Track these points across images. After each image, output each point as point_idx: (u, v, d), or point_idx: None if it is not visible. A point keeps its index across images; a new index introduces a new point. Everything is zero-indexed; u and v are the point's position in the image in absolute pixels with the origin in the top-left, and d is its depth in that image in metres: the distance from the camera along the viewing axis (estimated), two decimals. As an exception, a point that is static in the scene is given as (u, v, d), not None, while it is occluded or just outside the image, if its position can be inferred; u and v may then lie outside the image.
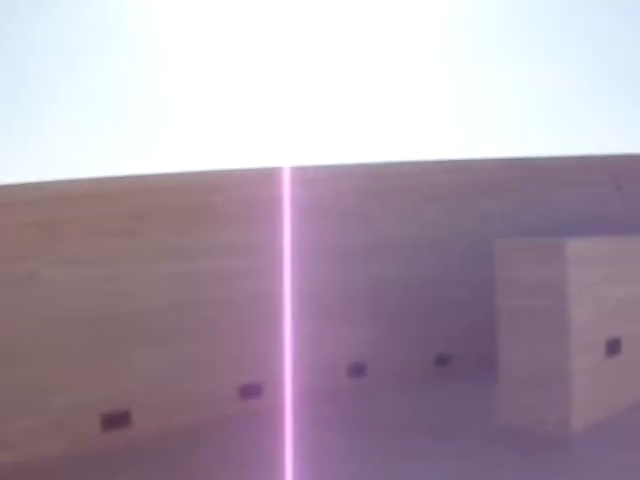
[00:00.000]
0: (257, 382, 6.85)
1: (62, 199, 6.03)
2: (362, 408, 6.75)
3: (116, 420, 6.30)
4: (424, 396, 7.06)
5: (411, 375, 7.65)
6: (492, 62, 18.19)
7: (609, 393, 6.26)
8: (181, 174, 6.58)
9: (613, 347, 6.26)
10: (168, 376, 6.52)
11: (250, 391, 6.84)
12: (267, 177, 6.89)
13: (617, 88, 18.71)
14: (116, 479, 5.46)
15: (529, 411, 6.01)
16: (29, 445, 5.94)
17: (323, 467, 5.39)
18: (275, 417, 6.56)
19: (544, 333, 5.89)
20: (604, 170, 9.21)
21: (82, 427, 6.17)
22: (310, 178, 7.11)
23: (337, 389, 7.13)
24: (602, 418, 6.16)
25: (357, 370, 7.35)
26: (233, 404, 6.77)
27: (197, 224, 6.62)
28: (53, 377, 6.05)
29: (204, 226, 6.66)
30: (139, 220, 6.36)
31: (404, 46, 17.34)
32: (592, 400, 6.03)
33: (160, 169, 6.55)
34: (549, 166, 8.80)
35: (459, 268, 8.07)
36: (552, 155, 8.79)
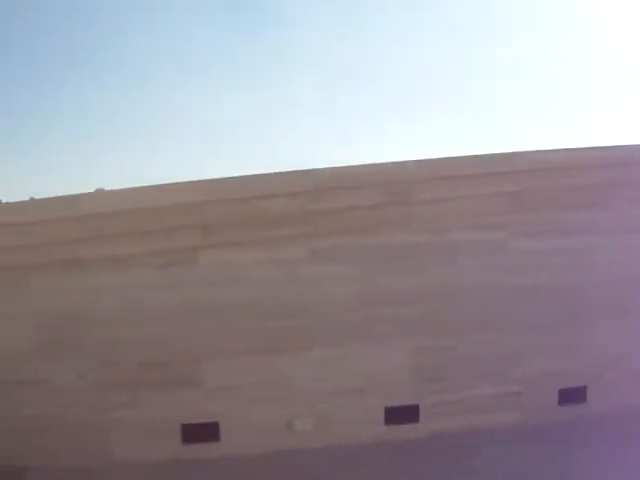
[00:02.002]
0: None
1: (533, 170, 5.99)
2: None
3: (572, 394, 6.15)
4: None
5: None
6: None
7: None
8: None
9: None
10: (628, 353, 6.27)
11: None
12: None
13: None
14: (571, 455, 5.42)
15: None
16: (487, 412, 5.97)
17: None
18: None
19: None
20: None
21: (539, 399, 6.11)
22: None
23: None
24: None
25: None
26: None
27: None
28: (515, 346, 5.99)
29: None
30: (603, 192, 6.18)
31: None
32: None
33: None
34: None
35: None
36: None
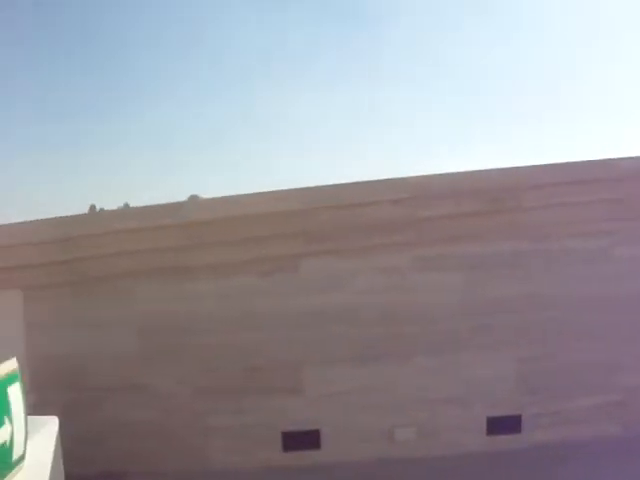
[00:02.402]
0: None
1: (637, 177, 5.76)
2: None
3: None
4: None
5: None
6: None
7: None
8: None
9: None
10: None
11: None
12: None
13: None
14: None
15: None
16: (589, 423, 5.78)
17: None
18: None
19: None
20: None
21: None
22: None
23: None
24: None
25: None
26: None
27: None
28: (618, 356, 5.79)
29: None
30: None
31: None
32: None
33: None
34: None
35: None
36: None
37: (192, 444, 5.68)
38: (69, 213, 6.11)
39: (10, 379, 2.70)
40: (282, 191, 5.69)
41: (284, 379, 5.68)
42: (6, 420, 2.62)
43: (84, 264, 5.71)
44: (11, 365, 2.74)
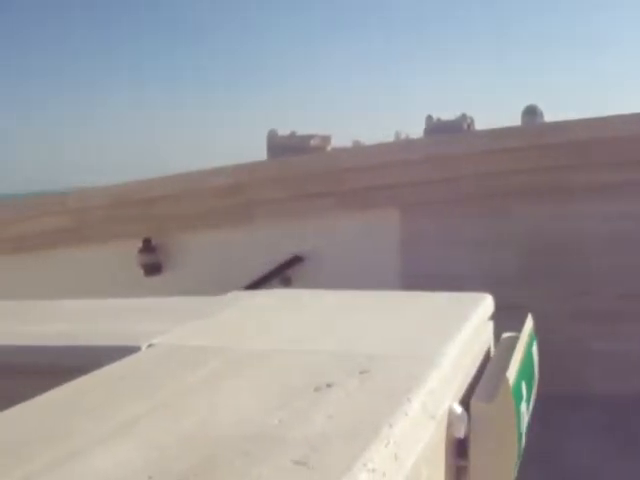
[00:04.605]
0: None
1: None
2: None
3: None
4: None
5: None
6: None
7: None
8: None
9: None
10: None
11: None
12: None
13: None
14: None
15: None
16: None
17: None
18: None
19: None
20: None
21: None
22: None
23: None
24: None
25: None
26: None
27: None
28: None
29: None
30: None
31: None
32: None
33: None
34: None
35: None
36: None
37: (570, 367, 5.36)
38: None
39: (532, 340, 2.45)
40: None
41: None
42: (533, 384, 2.38)
43: (460, 183, 5.45)
44: (530, 323, 2.48)
